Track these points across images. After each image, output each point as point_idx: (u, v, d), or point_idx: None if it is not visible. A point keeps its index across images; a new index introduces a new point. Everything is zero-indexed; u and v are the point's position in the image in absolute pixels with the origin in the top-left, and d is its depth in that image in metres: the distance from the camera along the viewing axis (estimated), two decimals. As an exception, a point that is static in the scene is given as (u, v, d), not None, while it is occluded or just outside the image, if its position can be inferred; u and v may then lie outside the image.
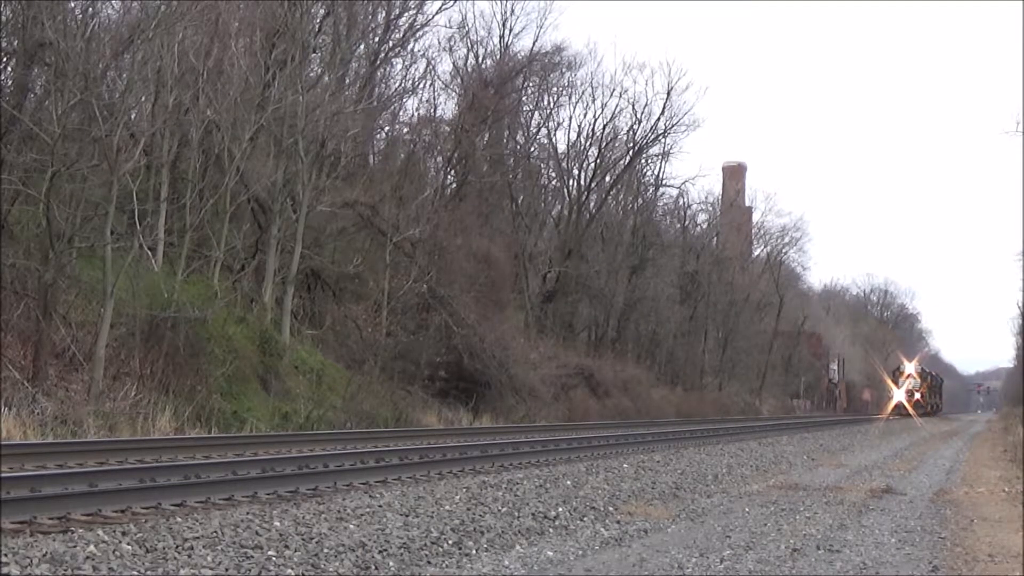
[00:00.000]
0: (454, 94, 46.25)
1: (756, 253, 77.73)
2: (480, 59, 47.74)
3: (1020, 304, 71.45)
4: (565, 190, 52.54)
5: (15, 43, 21.12)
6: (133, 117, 23.10)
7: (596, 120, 51.50)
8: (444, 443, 19.26)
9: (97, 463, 12.54)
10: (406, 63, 41.67)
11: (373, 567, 7.50)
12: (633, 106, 52.87)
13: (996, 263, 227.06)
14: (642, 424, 34.95)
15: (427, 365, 30.12)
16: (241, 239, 27.09)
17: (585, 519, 10.41)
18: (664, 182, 59.46)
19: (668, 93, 52.56)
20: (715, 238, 69.63)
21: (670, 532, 9.92)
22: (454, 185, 41.89)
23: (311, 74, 30.62)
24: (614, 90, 70.08)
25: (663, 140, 53.96)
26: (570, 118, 56.64)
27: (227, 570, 6.99)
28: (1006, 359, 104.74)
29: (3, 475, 9.37)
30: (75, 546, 7.20)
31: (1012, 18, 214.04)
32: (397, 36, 39.91)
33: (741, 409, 62.18)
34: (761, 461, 19.65)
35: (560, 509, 10.74)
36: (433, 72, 43.54)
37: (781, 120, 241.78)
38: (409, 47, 41.10)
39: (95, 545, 7.27)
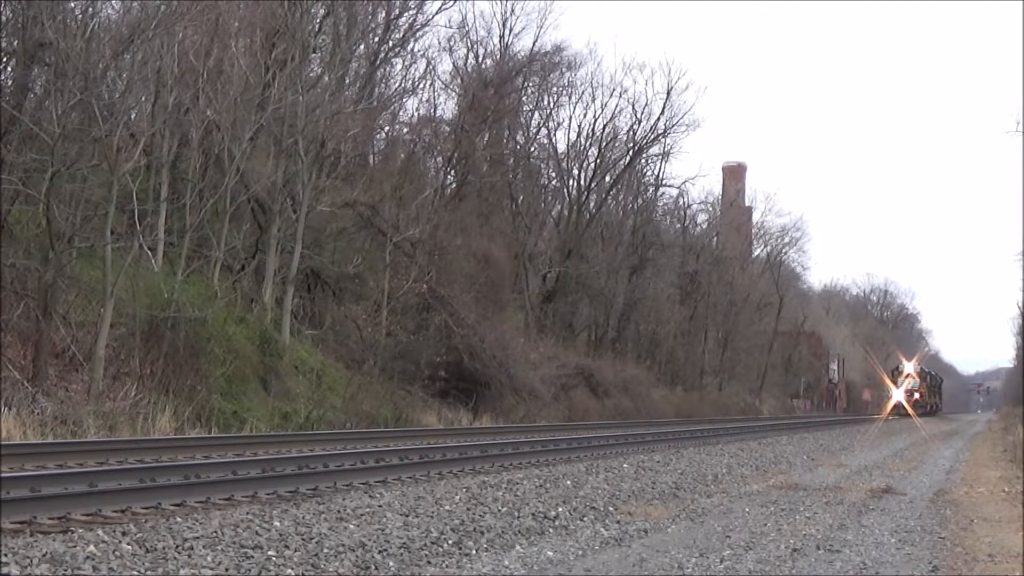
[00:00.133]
0: (454, 94, 46.31)
1: (756, 253, 77.74)
2: (480, 59, 47.80)
3: (1020, 304, 71.53)
4: (565, 190, 52.59)
5: (15, 43, 21.11)
6: (133, 117, 23.11)
7: (596, 120, 51.56)
8: (444, 443, 19.25)
9: (97, 463, 12.54)
10: (406, 63, 41.74)
11: (373, 567, 7.50)
12: (633, 106, 52.92)
13: (996, 263, 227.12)
14: (642, 424, 34.95)
15: (427, 365, 30.11)
16: (241, 239, 27.08)
17: (585, 519, 10.41)
18: (664, 182, 59.51)
19: (668, 93, 52.60)
20: (715, 238, 69.62)
21: (670, 532, 9.92)
22: (454, 185, 41.88)
23: (311, 74, 30.62)
24: (614, 90, 70.12)
25: (663, 140, 54.00)
26: (570, 118, 56.69)
27: (227, 570, 6.99)
28: (1006, 359, 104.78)
29: (3, 475, 9.36)
30: (75, 546, 7.20)
31: (1012, 18, 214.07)
32: (397, 36, 39.98)
33: (741, 409, 62.17)
34: (761, 461, 19.65)
35: (560, 509, 10.74)
36: (433, 72, 43.61)
37: (781, 120, 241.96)
38: (409, 47, 41.18)
39: (95, 545, 7.27)
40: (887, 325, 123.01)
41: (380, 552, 7.93)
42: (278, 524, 8.64)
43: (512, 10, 51.77)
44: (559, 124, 55.70)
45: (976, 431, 48.59)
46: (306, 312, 29.54)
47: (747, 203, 79.12)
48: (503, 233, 42.74)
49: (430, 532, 8.83)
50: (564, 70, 50.11)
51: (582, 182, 51.97)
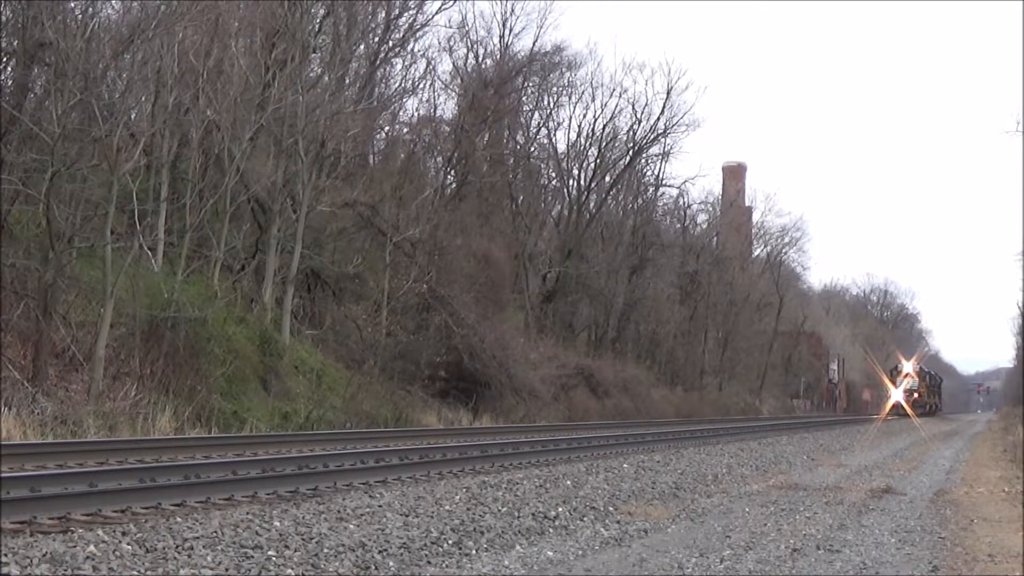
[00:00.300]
0: (454, 94, 46.32)
1: (756, 253, 77.74)
2: (480, 59, 47.81)
3: (1020, 304, 71.44)
4: (565, 190, 52.59)
5: (15, 43, 21.11)
6: (133, 117, 23.11)
7: (596, 120, 51.56)
8: (444, 443, 19.25)
9: (97, 463, 12.54)
10: (406, 63, 41.75)
11: (373, 567, 7.50)
12: (633, 106, 52.93)
13: (996, 263, 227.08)
14: (642, 424, 34.95)
15: (427, 365, 30.11)
16: (241, 239, 27.09)
17: (585, 519, 10.41)
18: (664, 182, 59.52)
19: (668, 93, 52.61)
20: (715, 238, 69.61)
21: (670, 532, 9.92)
22: (454, 185, 41.88)
23: (311, 74, 30.63)
24: (614, 90, 70.18)
25: (663, 140, 54.01)
26: (570, 118, 56.74)
27: (227, 570, 6.99)
28: (1006, 359, 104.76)
29: (3, 475, 9.36)
30: (75, 546, 7.20)
31: (1012, 18, 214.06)
32: (397, 36, 39.98)
33: (741, 409, 62.17)
34: (761, 461, 19.64)
35: (560, 509, 10.74)
36: (433, 72, 43.61)
37: (781, 120, 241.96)
38: (409, 47, 41.19)
39: (95, 545, 7.27)
40: (887, 325, 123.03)
41: (380, 552, 7.93)
42: (278, 524, 8.64)
43: (512, 10, 51.87)
44: (559, 124, 55.81)
45: (976, 431, 48.59)
46: (306, 312, 29.54)
47: (747, 203, 79.16)
48: (503, 233, 42.74)
49: (430, 532, 8.83)
50: (564, 70, 50.18)
51: (582, 182, 52.01)
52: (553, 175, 53.12)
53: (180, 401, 19.03)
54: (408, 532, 8.76)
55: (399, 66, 41.64)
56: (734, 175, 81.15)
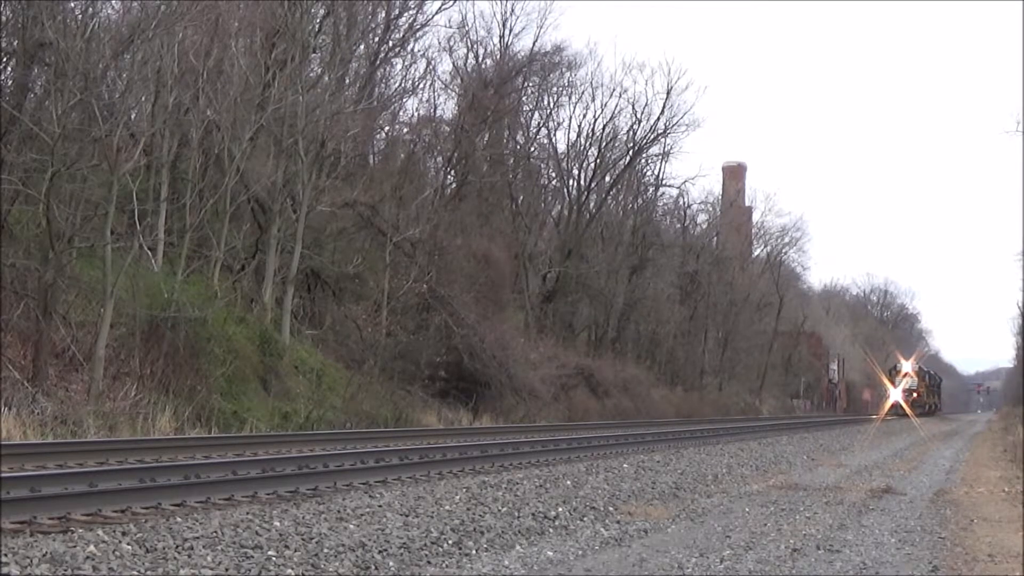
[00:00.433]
0: (454, 94, 46.31)
1: (756, 253, 77.74)
2: (480, 59, 47.80)
3: (1020, 304, 71.34)
4: (565, 190, 52.59)
5: (15, 43, 21.11)
6: (133, 117, 23.11)
7: (596, 120, 51.56)
8: (444, 443, 19.25)
9: (97, 463, 12.54)
10: (406, 63, 41.75)
11: (373, 567, 7.50)
12: (633, 106, 52.93)
13: (996, 263, 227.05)
14: (642, 424, 34.95)
15: (427, 365, 30.11)
16: (241, 239, 27.09)
17: (585, 519, 10.41)
18: (664, 182, 59.52)
19: (668, 93, 52.62)
20: (715, 238, 69.60)
21: (670, 532, 9.92)
22: (454, 185, 41.89)
23: (311, 74, 30.63)
24: (614, 90, 70.15)
25: (663, 140, 54.01)
26: (570, 118, 56.72)
27: (227, 570, 6.99)
28: (1006, 359, 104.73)
29: (3, 475, 9.36)
30: (75, 546, 7.20)
31: (1012, 18, 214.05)
32: (397, 36, 39.98)
33: (741, 409, 62.16)
34: (761, 461, 19.64)
35: (560, 509, 10.74)
36: (433, 72, 43.61)
37: (781, 120, 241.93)
38: (409, 47, 41.18)
39: (95, 545, 7.27)
40: (887, 325, 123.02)
41: (380, 552, 7.93)
42: (278, 524, 8.64)
43: (512, 10, 51.85)
44: (559, 124, 55.80)
45: (976, 431, 48.58)
46: (306, 312, 29.55)
47: (747, 203, 79.14)
48: (503, 233, 42.74)
49: (430, 532, 8.83)
50: (564, 70, 50.18)
51: (582, 182, 52.01)
52: (553, 175, 53.17)
53: (180, 401, 19.03)
54: (408, 532, 8.76)
55: (399, 66, 41.70)
56: (734, 175, 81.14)
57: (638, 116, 52.42)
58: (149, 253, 22.57)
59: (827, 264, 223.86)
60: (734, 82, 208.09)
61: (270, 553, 7.52)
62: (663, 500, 12.45)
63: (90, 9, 20.90)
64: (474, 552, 8.33)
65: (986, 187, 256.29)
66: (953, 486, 16.36)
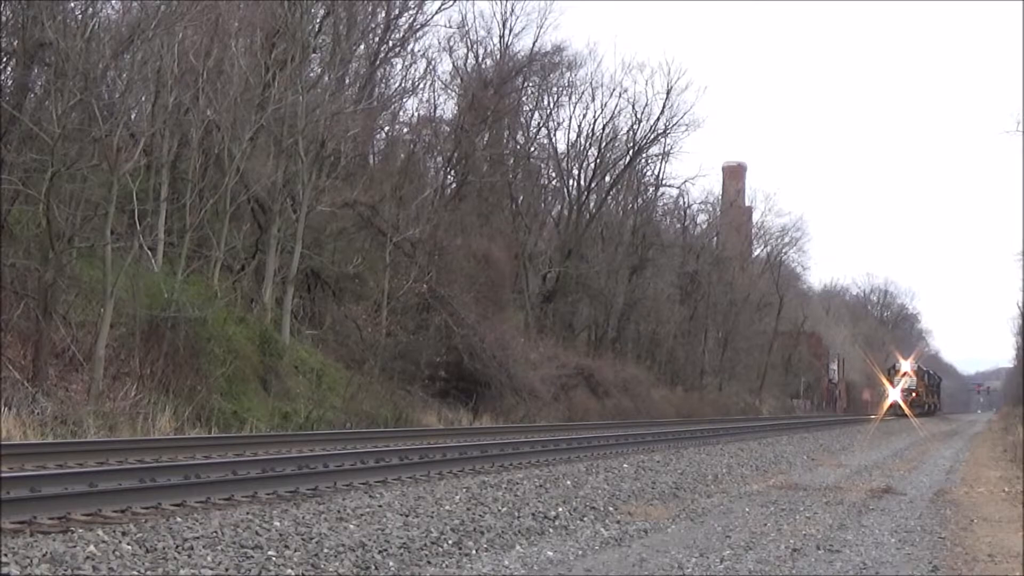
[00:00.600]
0: (454, 94, 46.31)
1: (756, 253, 77.74)
2: (480, 59, 47.80)
3: (1020, 304, 71.15)
4: (565, 190, 52.60)
5: (15, 43, 21.12)
6: (133, 117, 23.13)
7: (596, 120, 51.57)
8: (444, 443, 19.25)
9: (97, 463, 12.54)
10: (406, 63, 41.76)
11: (373, 567, 7.50)
12: (633, 106, 52.95)
13: (996, 263, 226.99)
14: (642, 424, 34.95)
15: (427, 365, 30.12)
16: (241, 239, 27.10)
17: (585, 519, 10.41)
18: (664, 182, 59.53)
19: (668, 93, 52.62)
20: (715, 238, 69.61)
21: (670, 532, 9.92)
22: (454, 185, 41.90)
23: (311, 74, 30.64)
24: (614, 90, 70.15)
25: (663, 140, 54.02)
26: (570, 118, 56.65)
27: (227, 570, 6.99)
28: (1006, 359, 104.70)
29: (3, 475, 9.37)
30: (75, 546, 7.20)
31: (1012, 18, 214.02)
32: (397, 36, 39.99)
33: (741, 409, 62.17)
34: (761, 461, 19.65)
35: (560, 509, 10.74)
36: (433, 72, 43.63)
37: (781, 120, 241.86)
38: (409, 47, 41.19)
39: (95, 545, 7.27)
40: (887, 325, 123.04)
41: (380, 552, 7.93)
42: (278, 524, 8.64)
43: (512, 10, 51.87)
44: (559, 124, 55.78)
45: (976, 431, 48.58)
46: (306, 312, 29.55)
47: (747, 203, 79.15)
48: (503, 233, 42.74)
49: (430, 532, 8.83)
50: (564, 70, 50.18)
51: (582, 182, 52.01)
52: (553, 175, 53.18)
53: (180, 401, 19.03)
54: (408, 532, 8.76)
55: (399, 66, 41.70)
56: (734, 175, 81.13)
57: (638, 116, 52.50)
58: (149, 253, 22.57)
59: (827, 264, 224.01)
60: (734, 82, 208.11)
61: (270, 553, 7.52)
62: (663, 500, 12.45)
63: (90, 9, 20.91)
64: (474, 552, 8.33)
65: (986, 187, 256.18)
66: (953, 486, 16.36)
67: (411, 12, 40.22)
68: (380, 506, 10.05)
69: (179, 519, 8.66)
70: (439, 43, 56.39)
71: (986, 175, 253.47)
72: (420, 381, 29.80)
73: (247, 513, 9.12)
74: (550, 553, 8.44)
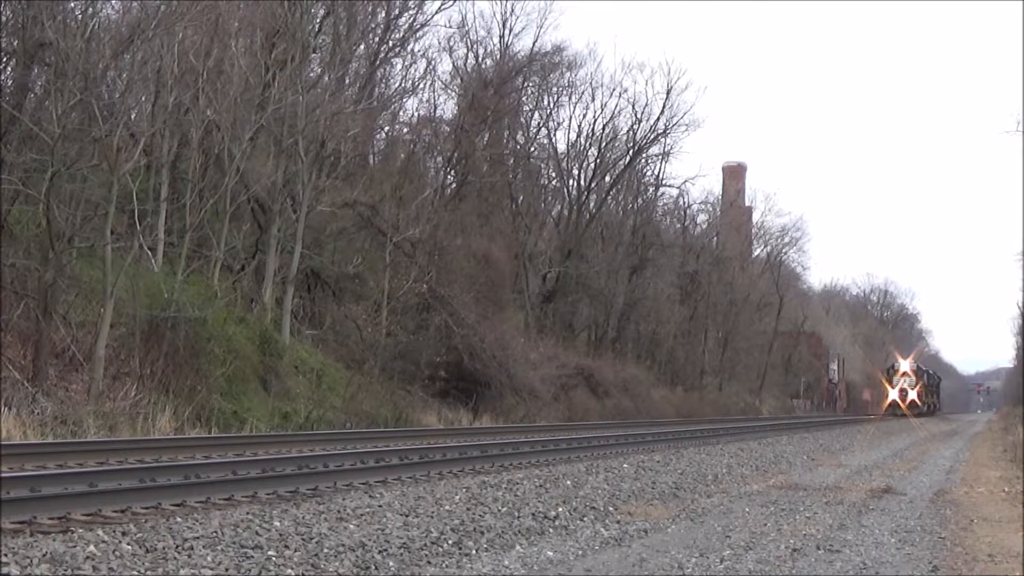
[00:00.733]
0: (454, 94, 46.32)
1: (756, 253, 77.74)
2: (480, 59, 47.81)
3: (1020, 304, 71.08)
4: (565, 190, 52.61)
5: (15, 43, 21.12)
6: (133, 117, 23.14)
7: (596, 120, 51.58)
8: (444, 443, 19.25)
9: (97, 463, 12.54)
10: (406, 63, 41.76)
11: (373, 567, 7.50)
12: (633, 106, 52.96)
13: (996, 263, 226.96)
14: (642, 424, 34.95)
15: (427, 365, 30.13)
16: (241, 239, 27.10)
17: (585, 519, 10.41)
18: (664, 182, 59.55)
19: (668, 93, 52.62)
20: (715, 238, 69.61)
21: (670, 532, 9.93)
22: (454, 185, 41.90)
23: (311, 74, 30.65)
24: (614, 90, 70.06)
25: (663, 140, 54.03)
26: (570, 118, 56.63)
27: (227, 570, 6.99)
28: (1006, 359, 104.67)
29: (3, 475, 9.37)
30: (75, 546, 7.20)
31: (1012, 18, 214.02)
32: (397, 36, 40.00)
33: (741, 409, 62.18)
34: (761, 461, 19.65)
35: (560, 509, 10.74)
36: (433, 72, 43.63)
37: (781, 120, 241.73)
38: (409, 47, 41.20)
39: (95, 545, 7.27)
40: (887, 325, 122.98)
41: (380, 552, 7.93)
42: (278, 524, 8.64)
43: (512, 10, 51.87)
44: (559, 124, 55.78)
45: (976, 431, 48.58)
46: (306, 312, 29.56)
47: (747, 203, 79.14)
48: (503, 233, 42.75)
49: (430, 532, 8.83)
50: (564, 70, 50.20)
51: (582, 182, 52.02)
52: (553, 175, 53.19)
53: (180, 401, 19.04)
54: (408, 532, 8.76)
55: (399, 66, 41.71)
56: (734, 175, 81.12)
57: (638, 116, 52.51)
58: (149, 253, 22.57)
59: (827, 264, 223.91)
60: (734, 82, 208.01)
61: (270, 553, 7.52)
62: (663, 500, 12.45)
63: (90, 9, 20.92)
64: (474, 552, 8.34)
65: (986, 187, 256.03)
66: (953, 486, 16.36)
67: (411, 12, 40.28)
68: (380, 506, 10.05)
69: (179, 519, 8.66)
70: (439, 43, 56.45)
71: (986, 175, 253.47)
72: (420, 381, 29.80)
73: (247, 513, 9.12)
74: (550, 553, 8.44)
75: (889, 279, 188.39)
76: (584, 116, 51.76)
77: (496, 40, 48.27)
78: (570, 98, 51.19)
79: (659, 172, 58.49)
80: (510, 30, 48.24)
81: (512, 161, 48.69)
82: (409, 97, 45.49)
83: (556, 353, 41.28)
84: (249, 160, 26.07)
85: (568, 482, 13.15)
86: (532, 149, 51.22)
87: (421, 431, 23.79)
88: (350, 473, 12.57)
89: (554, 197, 53.92)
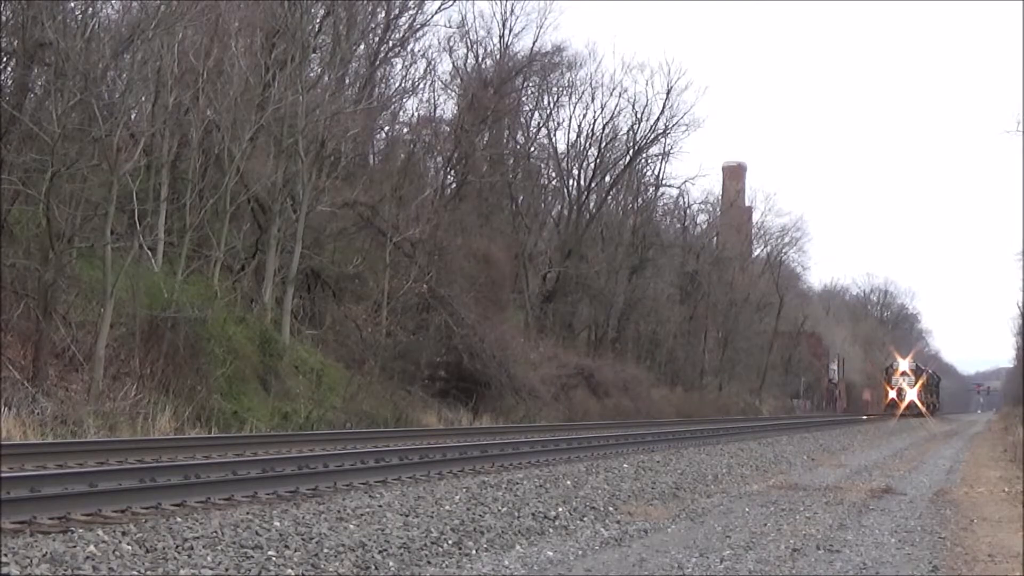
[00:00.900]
0: (454, 94, 46.32)
1: (756, 253, 77.73)
2: (480, 59, 47.82)
3: (1020, 304, 70.88)
4: (565, 190, 52.63)
5: (15, 43, 21.12)
6: (133, 117, 23.13)
7: (596, 120, 51.61)
8: (444, 443, 19.25)
9: (97, 463, 12.54)
10: (406, 63, 41.77)
11: (373, 567, 7.50)
12: (633, 106, 52.98)
13: (996, 263, 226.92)
14: (642, 424, 34.94)
15: (427, 365, 30.13)
16: (241, 239, 27.10)
17: (585, 519, 10.41)
18: (664, 182, 59.59)
19: (668, 93, 52.67)
20: (715, 238, 69.63)
21: (670, 532, 9.93)
22: (454, 185, 41.92)
23: (311, 74, 30.64)
24: (614, 90, 69.78)
25: (663, 140, 54.09)
26: (570, 118, 56.52)
27: (227, 570, 6.99)
28: (1006, 359, 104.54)
29: (3, 475, 9.37)
30: (75, 546, 7.20)
31: (1012, 18, 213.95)
32: (397, 36, 40.00)
33: (741, 409, 62.19)
34: (761, 461, 19.65)
35: (560, 509, 10.74)
36: (433, 72, 43.65)
37: (781, 120, 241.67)
38: (409, 47, 41.20)
39: (95, 545, 7.27)
40: (887, 325, 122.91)
41: (380, 552, 7.93)
42: (278, 524, 8.64)
43: (512, 10, 51.75)
44: (559, 124, 55.70)
45: (976, 431, 48.57)
46: (306, 312, 29.55)
47: (747, 203, 79.12)
48: (503, 233, 42.77)
49: (430, 532, 8.83)
50: (564, 70, 50.23)
51: (582, 182, 52.04)
52: (553, 175, 53.22)
53: (180, 401, 19.04)
54: (408, 532, 8.76)
55: (399, 66, 41.72)
56: (734, 175, 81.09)
57: (638, 116, 52.53)
58: (149, 253, 22.58)
59: (827, 264, 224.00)
60: (734, 82, 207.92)
61: (270, 553, 7.52)
62: (663, 500, 12.46)
63: (90, 9, 20.93)
64: (474, 552, 8.34)
65: (986, 187, 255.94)
66: (953, 486, 16.36)
67: (411, 12, 40.28)
68: (380, 506, 10.05)
69: (179, 519, 8.66)
70: (439, 43, 56.36)
71: (986, 175, 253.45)
72: (420, 381, 29.80)
73: (247, 513, 9.12)
74: (550, 553, 8.44)
75: (889, 279, 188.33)
76: (584, 116, 51.84)
77: (496, 40, 48.33)
78: (570, 98, 51.28)
79: (659, 172, 58.62)
80: (510, 30, 48.31)
81: (512, 161, 48.71)
82: (409, 97, 45.54)
83: (556, 353, 41.30)
84: (249, 160, 26.08)
85: (568, 482, 13.15)
86: (532, 149, 51.29)
87: (421, 431, 23.79)
88: (350, 473, 12.56)
89: (554, 197, 53.97)
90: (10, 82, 21.60)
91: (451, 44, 46.05)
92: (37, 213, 19.51)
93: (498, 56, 47.92)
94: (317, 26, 31.77)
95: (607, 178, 53.34)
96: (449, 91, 46.70)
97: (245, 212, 27.61)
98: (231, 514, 9.04)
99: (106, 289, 18.97)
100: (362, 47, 37.57)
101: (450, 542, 8.57)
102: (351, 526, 8.86)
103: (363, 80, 37.29)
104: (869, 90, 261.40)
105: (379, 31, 38.80)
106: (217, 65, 24.84)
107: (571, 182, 52.38)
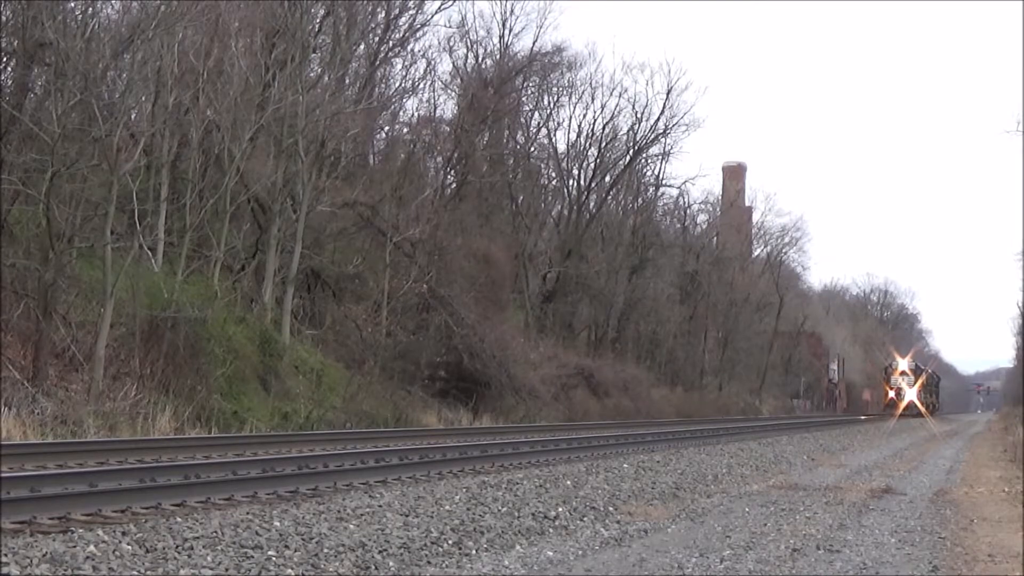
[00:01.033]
0: (454, 94, 46.31)
1: (756, 253, 77.71)
2: (480, 59, 47.81)
3: (1020, 304, 70.83)
4: (565, 190, 52.63)
5: (15, 43, 21.12)
6: (133, 117, 23.13)
7: (596, 120, 51.61)
8: (444, 443, 19.25)
9: (97, 463, 12.54)
10: (406, 63, 41.76)
11: (373, 567, 7.50)
12: (633, 106, 52.99)
13: (996, 263, 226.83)
14: (642, 424, 34.94)
15: (427, 365, 30.12)
16: (241, 239, 27.11)
17: (585, 519, 10.41)
18: (664, 182, 59.58)
19: (668, 93, 52.67)
20: (715, 238, 69.62)
21: (670, 532, 9.93)
22: (454, 185, 41.92)
23: (311, 74, 30.64)
24: (614, 90, 69.86)
25: (663, 140, 54.09)
26: (570, 118, 56.49)
27: (227, 570, 6.99)
28: (1006, 359, 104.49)
29: (3, 475, 9.37)
30: (75, 546, 7.20)
31: (1012, 18, 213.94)
32: (397, 36, 40.01)
33: (741, 409, 62.19)
34: (761, 461, 19.65)
35: (560, 509, 10.74)
36: (433, 72, 43.65)
37: (781, 120, 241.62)
38: (409, 47, 41.21)
39: (95, 545, 7.27)
40: (887, 325, 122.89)
41: (380, 552, 7.93)
42: (278, 524, 8.64)
43: (512, 10, 51.71)
44: (559, 124, 55.69)
45: (976, 431, 48.58)
46: (306, 312, 29.55)
47: (747, 203, 79.10)
48: (503, 233, 42.77)
49: (430, 532, 8.84)
50: (564, 70, 50.22)
51: (582, 182, 52.04)
52: (553, 175, 53.21)
53: (180, 401, 19.04)
54: (408, 532, 8.76)
55: (399, 66, 41.71)
56: (734, 175, 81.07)
57: (638, 116, 52.54)
58: (149, 253, 22.58)
59: (827, 264, 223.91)
60: (734, 82, 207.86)
61: (270, 553, 7.52)
62: (663, 500, 12.46)
63: (90, 9, 20.94)
64: (474, 552, 8.34)
65: (986, 187, 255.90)
66: (953, 486, 16.37)
67: (411, 12, 40.28)
68: (380, 506, 10.05)
69: (179, 519, 8.66)
70: (439, 43, 56.31)
71: (986, 175, 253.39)
72: (420, 381, 29.80)
73: (247, 513, 9.12)
74: (550, 553, 8.44)
75: (889, 279, 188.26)
76: (584, 116, 51.83)
77: (496, 40, 48.32)
78: (570, 98, 51.27)
79: (659, 172, 58.61)
80: (510, 30, 48.29)
81: (512, 161, 48.71)
82: (409, 97, 45.57)
83: (556, 353, 41.29)
84: (249, 160, 26.08)
85: (568, 482, 13.15)
86: (532, 149, 51.28)
87: (421, 431, 23.79)
88: (350, 473, 12.56)
89: (554, 197, 53.97)
90: (10, 82, 21.60)
91: (451, 44, 46.10)
92: (37, 213, 19.51)
93: (498, 56, 47.96)
94: (317, 26, 31.77)
95: (607, 178, 53.38)
96: (449, 91, 46.76)
97: (245, 212, 27.61)
98: (231, 514, 9.04)
99: (106, 289, 18.97)
100: (362, 47, 37.60)
101: (450, 542, 8.57)
102: (351, 526, 8.86)
103: (363, 80, 37.29)
104: (869, 90, 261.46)
105: (379, 31, 38.83)
106: (217, 65, 24.85)
107: (571, 182, 52.45)
